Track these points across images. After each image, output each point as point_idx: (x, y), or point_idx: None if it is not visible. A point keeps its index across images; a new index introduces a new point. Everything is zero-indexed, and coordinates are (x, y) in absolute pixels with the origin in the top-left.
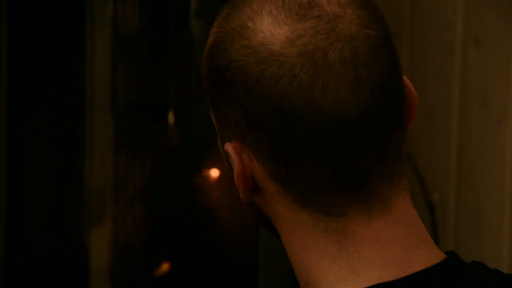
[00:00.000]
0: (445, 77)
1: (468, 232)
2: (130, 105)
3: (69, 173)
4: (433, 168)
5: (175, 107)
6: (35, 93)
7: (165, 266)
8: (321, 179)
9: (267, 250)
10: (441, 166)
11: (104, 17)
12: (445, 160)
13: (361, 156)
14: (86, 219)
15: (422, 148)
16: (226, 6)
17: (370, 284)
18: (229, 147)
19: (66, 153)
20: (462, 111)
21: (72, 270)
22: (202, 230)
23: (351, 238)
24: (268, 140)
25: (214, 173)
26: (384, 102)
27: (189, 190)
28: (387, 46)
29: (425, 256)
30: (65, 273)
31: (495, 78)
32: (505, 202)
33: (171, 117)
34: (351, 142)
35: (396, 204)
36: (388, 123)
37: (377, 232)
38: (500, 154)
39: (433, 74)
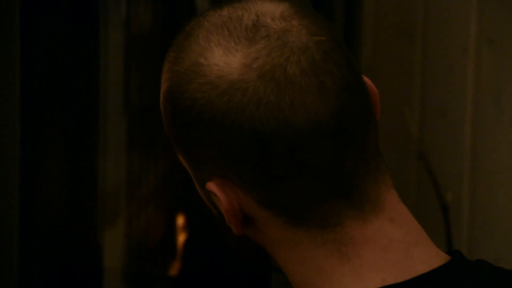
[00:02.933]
0: (458, 76)
1: (481, 232)
2: (144, 105)
3: (83, 173)
4: (446, 168)
5: None
6: (48, 94)
7: (178, 266)
8: (310, 193)
9: None
10: (454, 166)
11: (117, 17)
12: (458, 160)
13: (342, 160)
14: (99, 219)
15: (435, 148)
16: (170, 50)
17: (375, 287)
18: (211, 186)
19: (79, 153)
20: (476, 110)
21: (86, 269)
22: (216, 229)
23: (350, 245)
24: (249, 169)
25: None
26: (352, 102)
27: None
28: (339, 47)
29: (425, 253)
30: (79, 272)
31: (508, 78)
32: None
33: None
34: (331, 149)
35: (386, 202)
36: (361, 121)
37: (375, 234)
38: None
39: (447, 73)
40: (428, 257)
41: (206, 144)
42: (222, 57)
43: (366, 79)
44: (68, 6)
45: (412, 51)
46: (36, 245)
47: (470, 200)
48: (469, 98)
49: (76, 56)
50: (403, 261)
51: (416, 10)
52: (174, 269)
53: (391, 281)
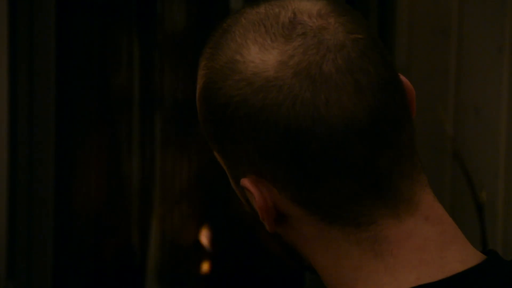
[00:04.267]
0: (493, 75)
1: None
2: (177, 103)
3: (117, 172)
4: (481, 167)
5: None
6: (82, 92)
7: (212, 265)
8: (344, 192)
9: None
10: (489, 165)
11: (151, 16)
12: (493, 158)
13: (377, 158)
14: (133, 218)
15: (470, 147)
16: (207, 47)
17: (408, 286)
18: (246, 183)
19: (114, 152)
20: (510, 108)
21: (120, 268)
22: (249, 228)
23: (384, 244)
24: (283, 166)
25: None
26: (387, 101)
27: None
28: (376, 45)
29: (460, 253)
30: (113, 271)
31: None
32: None
33: None
34: (366, 147)
35: (421, 201)
36: (396, 120)
37: (409, 233)
38: None
39: (482, 72)
40: (464, 256)
41: (241, 140)
42: (258, 54)
43: (402, 77)
44: (102, 4)
45: (447, 50)
46: (71, 244)
47: (505, 199)
48: (504, 96)
49: (110, 54)
50: (438, 260)
51: (451, 9)
52: (207, 268)
53: (425, 280)
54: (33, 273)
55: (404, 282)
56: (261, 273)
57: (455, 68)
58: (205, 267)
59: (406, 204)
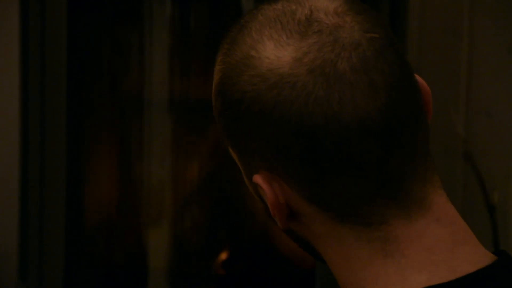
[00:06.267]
0: (504, 76)
1: None
2: (188, 105)
3: (128, 173)
4: (492, 168)
5: None
6: (93, 94)
7: (222, 266)
8: (355, 190)
9: None
10: (501, 166)
11: (162, 17)
12: (505, 159)
13: (390, 158)
14: (144, 219)
15: (481, 148)
16: (224, 42)
17: (418, 287)
18: (258, 179)
19: (124, 154)
20: None
21: (131, 269)
22: (260, 229)
23: (395, 244)
24: (296, 163)
25: None
26: (402, 101)
27: (246, 190)
28: (392, 45)
29: (471, 254)
30: (123, 273)
31: None
32: None
33: None
34: (378, 147)
35: (433, 202)
36: (410, 120)
37: (420, 234)
38: None
39: (493, 73)
40: (474, 257)
41: (254, 136)
42: (273, 51)
43: (418, 78)
44: (114, 5)
45: (458, 51)
46: (82, 245)
47: None
48: None
49: (121, 55)
50: (448, 261)
51: (462, 9)
52: (218, 269)
53: (436, 281)
54: (45, 274)
55: (414, 282)
56: (272, 274)
57: (466, 68)
58: (216, 268)
59: (418, 205)
